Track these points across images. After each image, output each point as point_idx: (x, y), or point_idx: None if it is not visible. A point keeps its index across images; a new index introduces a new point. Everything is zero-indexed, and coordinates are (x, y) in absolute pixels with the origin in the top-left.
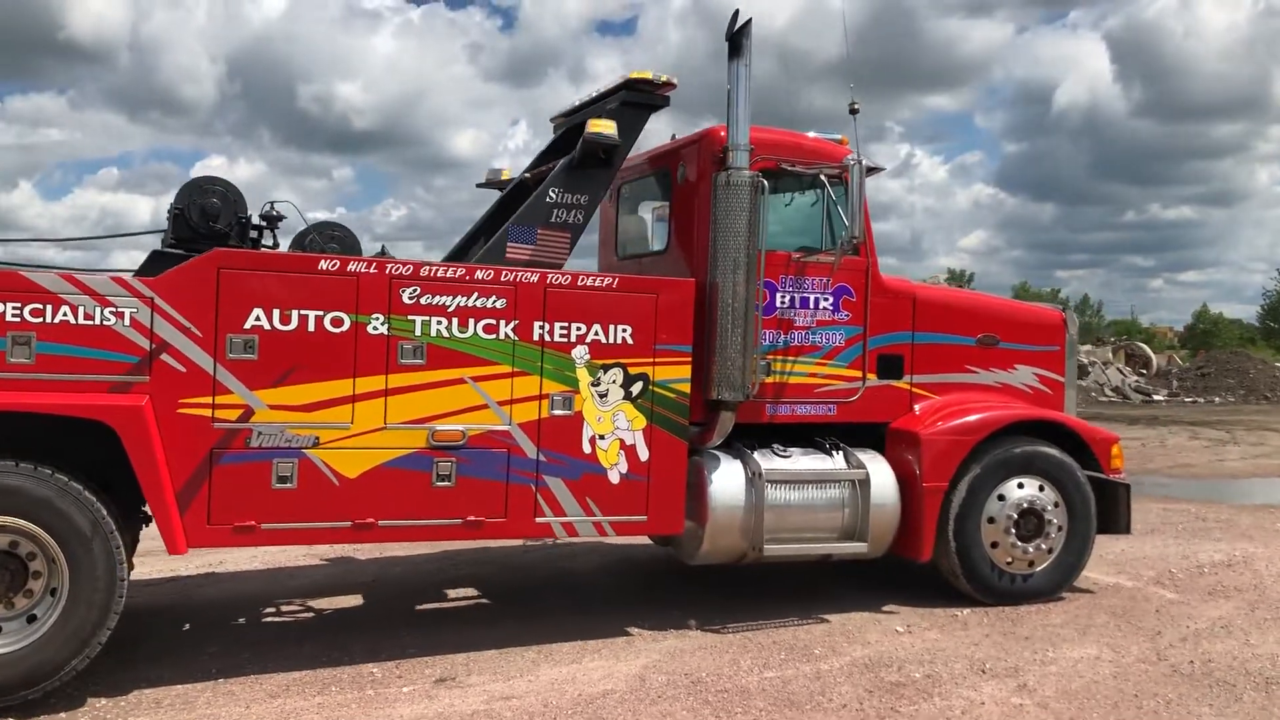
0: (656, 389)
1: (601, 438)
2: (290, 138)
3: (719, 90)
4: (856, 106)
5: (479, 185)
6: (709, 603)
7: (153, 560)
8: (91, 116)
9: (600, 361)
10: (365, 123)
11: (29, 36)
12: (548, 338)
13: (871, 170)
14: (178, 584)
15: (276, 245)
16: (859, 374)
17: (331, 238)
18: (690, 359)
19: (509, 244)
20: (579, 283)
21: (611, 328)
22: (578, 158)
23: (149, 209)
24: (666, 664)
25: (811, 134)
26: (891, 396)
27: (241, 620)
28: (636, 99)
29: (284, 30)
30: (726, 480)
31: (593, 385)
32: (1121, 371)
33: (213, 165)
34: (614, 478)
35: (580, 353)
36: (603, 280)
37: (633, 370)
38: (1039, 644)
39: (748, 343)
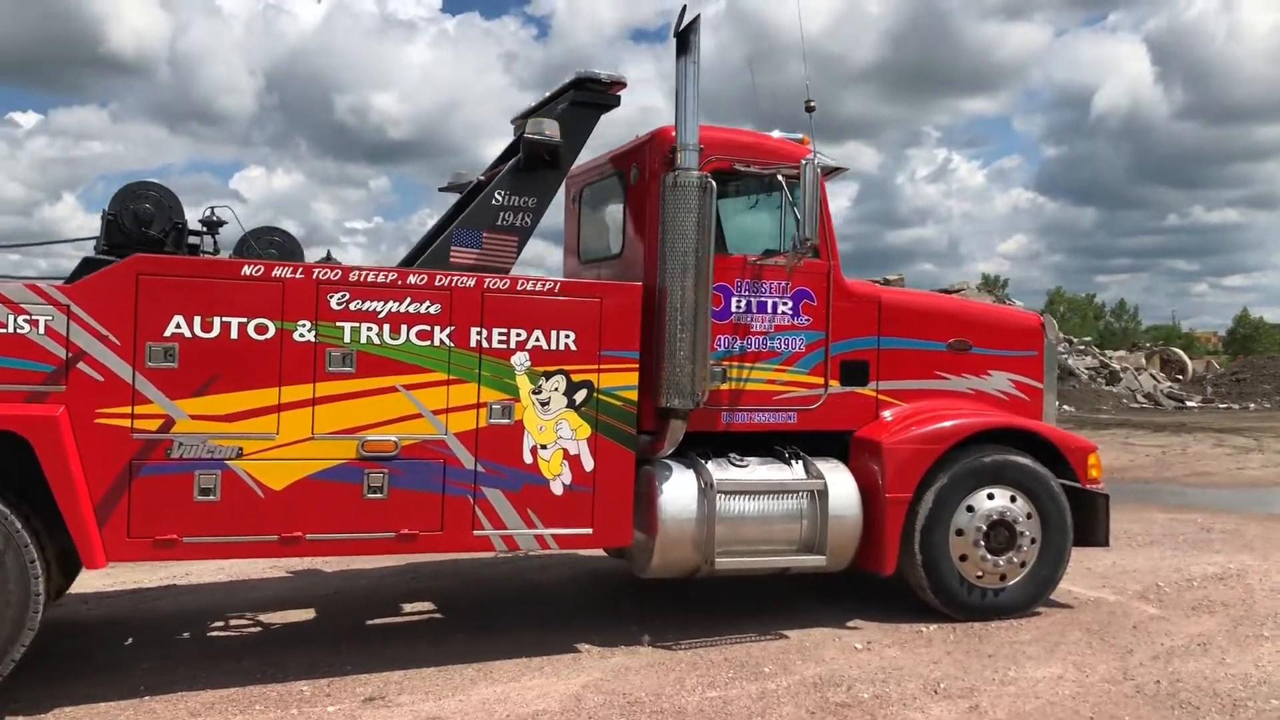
0: (602, 397)
1: (543, 447)
2: (327, 148)
3: (758, 94)
4: (812, 104)
5: (441, 189)
6: (669, 617)
7: (117, 572)
8: (133, 129)
9: (542, 368)
10: (401, 133)
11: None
12: (485, 344)
13: (834, 171)
14: (136, 596)
15: (217, 251)
16: (820, 380)
17: (270, 243)
18: (637, 365)
19: (453, 248)
20: (518, 287)
21: (553, 333)
22: (523, 159)
23: (189, 220)
24: (608, 683)
25: (776, 133)
26: (856, 404)
27: (186, 635)
28: (586, 99)
29: (320, 43)
30: (677, 491)
31: (534, 393)
32: (1155, 377)
33: (251, 176)
34: (557, 489)
35: (520, 359)
36: (543, 284)
37: (576, 377)
38: (1002, 662)
39: (698, 349)
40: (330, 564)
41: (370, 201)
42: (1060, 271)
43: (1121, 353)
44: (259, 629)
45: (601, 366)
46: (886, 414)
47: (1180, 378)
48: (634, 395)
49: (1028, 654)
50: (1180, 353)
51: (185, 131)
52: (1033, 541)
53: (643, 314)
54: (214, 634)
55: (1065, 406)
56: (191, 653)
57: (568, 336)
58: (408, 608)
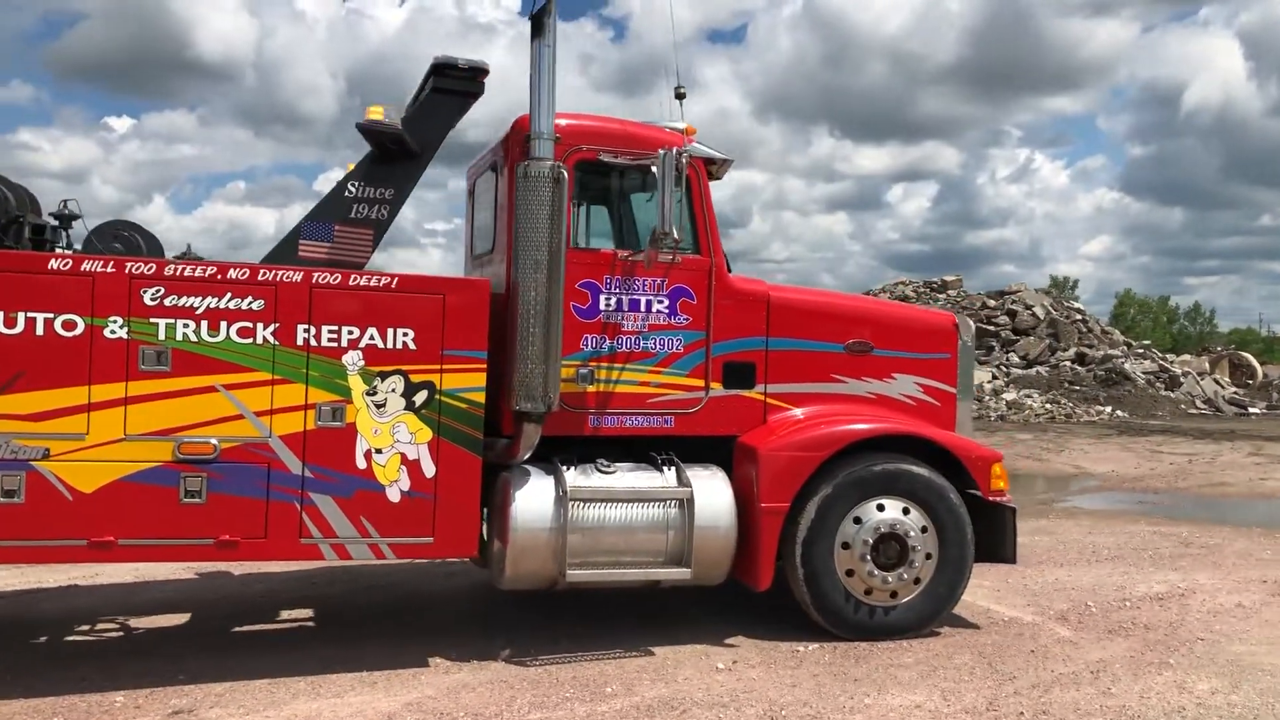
0: (445, 399)
1: (379, 451)
2: None
3: (836, 94)
4: (682, 91)
5: (359, 126)
6: (544, 630)
7: (22, 571)
8: (220, 132)
9: (377, 368)
10: (479, 134)
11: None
12: (314, 342)
13: (721, 163)
14: (28, 597)
15: (70, 245)
16: (701, 383)
17: (115, 237)
18: (485, 366)
19: (302, 242)
20: (350, 282)
21: (390, 331)
22: (375, 150)
23: (273, 221)
24: (434, 701)
25: (683, 124)
26: (741, 408)
27: (44, 638)
28: (447, 85)
29: (400, 47)
30: (531, 499)
31: (368, 394)
32: (1219, 382)
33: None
34: (394, 495)
35: (353, 359)
36: (379, 280)
37: (416, 378)
38: (865, 688)
39: (551, 349)
40: (239, 567)
41: (448, 202)
42: (1146, 273)
43: (1186, 357)
44: (120, 634)
45: (444, 367)
46: (774, 419)
47: (1250, 383)
48: (481, 398)
49: (898, 679)
50: (1249, 357)
51: (270, 134)
52: (928, 557)
53: (499, 312)
54: (73, 638)
55: (1118, 412)
56: (34, 658)
57: (406, 335)
58: (285, 614)
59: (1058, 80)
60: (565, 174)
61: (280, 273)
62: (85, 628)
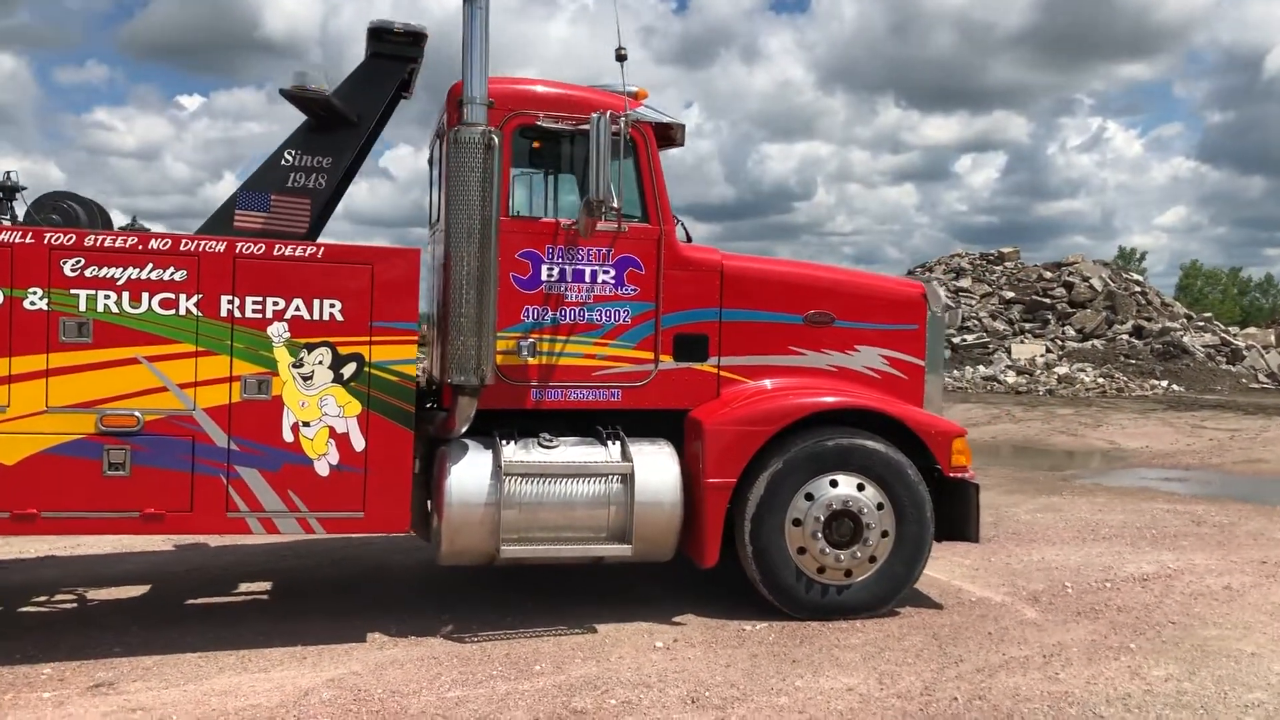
0: (374, 371)
1: (306, 425)
2: None
3: (902, 63)
4: (623, 52)
5: (283, 92)
6: (497, 605)
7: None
8: (287, 109)
9: (303, 340)
10: None
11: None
12: (238, 314)
13: (669, 127)
14: (3, 569)
15: (14, 217)
16: (650, 355)
17: (54, 209)
18: (415, 338)
19: (238, 212)
20: (275, 252)
21: (316, 302)
22: (312, 118)
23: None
24: (356, 678)
25: (634, 88)
26: (693, 381)
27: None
28: (385, 50)
29: (458, 19)
30: (466, 473)
31: (294, 367)
32: None
33: (400, 155)
34: (322, 469)
35: (278, 330)
36: (305, 249)
37: (344, 350)
38: (801, 669)
39: (484, 321)
40: (216, 539)
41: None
42: (1223, 244)
43: (1251, 330)
44: (74, 606)
45: (374, 339)
46: (726, 393)
47: None
48: (412, 370)
49: (839, 661)
50: None
51: None
52: (884, 535)
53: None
54: (27, 609)
55: (1174, 387)
56: None
57: (333, 306)
58: (245, 587)
59: (1131, 46)
60: (496, 140)
61: (203, 243)
62: (43, 598)
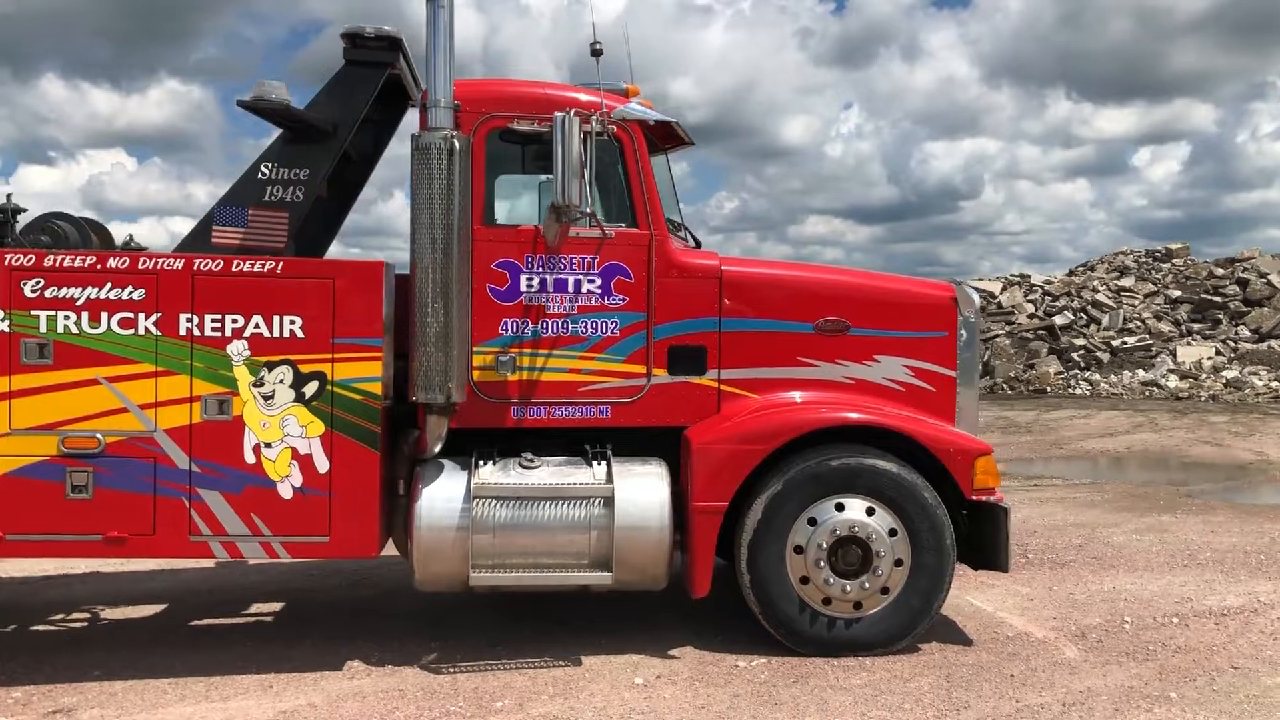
0: (337, 390)
1: (268, 446)
2: None
3: (1073, 54)
4: (598, 47)
5: (240, 104)
6: (494, 633)
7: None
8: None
9: (263, 358)
10: (699, 116)
11: None
12: (197, 332)
13: (671, 126)
14: (29, 585)
15: (16, 240)
16: (642, 369)
17: (44, 230)
18: (381, 354)
19: (215, 228)
20: (234, 269)
21: (276, 319)
22: (287, 130)
23: (500, 212)
24: (310, 710)
25: (624, 85)
26: (691, 396)
27: (12, 628)
28: (358, 57)
29: (620, 33)
30: (438, 496)
31: (255, 386)
32: None
33: None
34: (285, 492)
35: (237, 348)
36: (264, 265)
37: (305, 368)
38: (781, 713)
39: (450, 335)
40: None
41: None
42: None
43: None
44: (86, 625)
45: (336, 356)
46: (731, 408)
47: None
48: (377, 388)
49: (827, 705)
50: None
51: None
52: (897, 564)
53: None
54: (41, 627)
55: None
56: None
57: (294, 322)
58: (256, 608)
59: None
60: (459, 145)
61: (161, 261)
62: (60, 616)
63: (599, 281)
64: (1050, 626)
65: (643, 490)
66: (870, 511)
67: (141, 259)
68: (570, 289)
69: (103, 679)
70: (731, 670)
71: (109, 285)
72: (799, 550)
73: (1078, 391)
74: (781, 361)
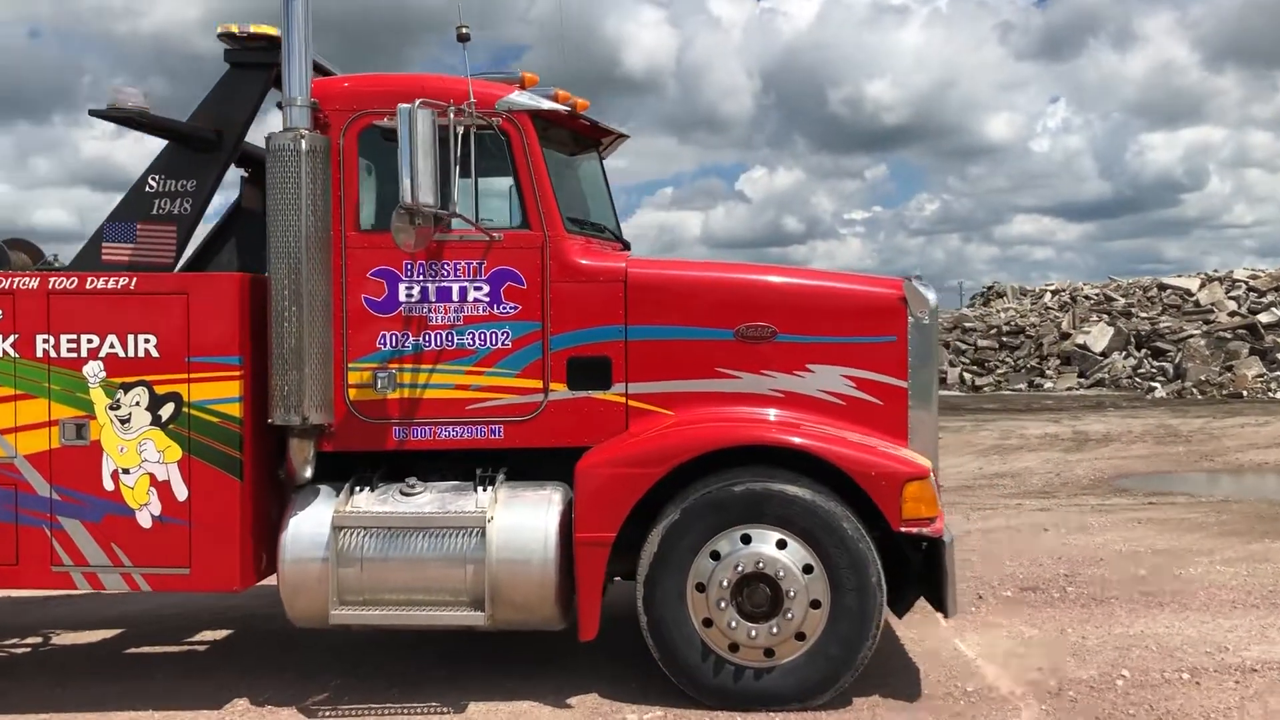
0: (194, 412)
1: (126, 472)
2: (823, 143)
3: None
4: (465, 31)
5: (93, 113)
6: (398, 670)
7: None
8: (647, 142)
9: (119, 380)
10: (895, 118)
11: (596, 76)
12: (54, 353)
13: (580, 120)
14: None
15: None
16: (538, 384)
17: None
18: (240, 373)
19: (104, 245)
20: (88, 285)
21: (130, 338)
22: (173, 141)
23: (698, 223)
24: None
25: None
26: (594, 412)
27: None
28: (238, 59)
29: (813, 39)
30: (305, 525)
31: (111, 409)
32: None
33: (754, 177)
34: (144, 520)
35: (93, 370)
36: (117, 281)
37: (161, 389)
38: None
39: (306, 352)
40: None
41: (867, 190)
42: None
43: None
44: (46, 649)
45: (192, 376)
46: (640, 427)
47: None
48: (236, 410)
49: None
50: None
51: (692, 140)
52: (814, 605)
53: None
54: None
55: None
56: None
57: (148, 341)
58: (202, 635)
59: None
60: (313, 145)
61: (17, 280)
62: (13, 641)
63: (487, 289)
64: (1028, 680)
65: (525, 518)
66: (782, 545)
67: None
68: (455, 298)
69: (4, 713)
70: None
71: None
72: (700, 588)
73: (1279, 395)
74: (698, 373)
